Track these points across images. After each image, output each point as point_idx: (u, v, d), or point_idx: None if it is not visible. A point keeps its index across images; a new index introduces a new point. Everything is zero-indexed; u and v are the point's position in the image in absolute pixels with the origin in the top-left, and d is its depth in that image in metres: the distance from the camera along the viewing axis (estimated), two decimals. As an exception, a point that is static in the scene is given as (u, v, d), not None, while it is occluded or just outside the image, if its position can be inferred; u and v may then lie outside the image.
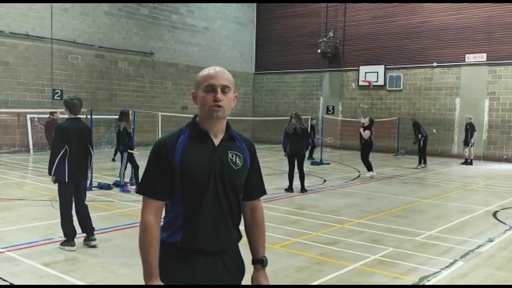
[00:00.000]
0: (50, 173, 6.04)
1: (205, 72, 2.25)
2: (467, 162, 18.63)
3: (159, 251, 2.20)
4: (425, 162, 17.43)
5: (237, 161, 2.27)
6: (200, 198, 2.18)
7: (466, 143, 18.75)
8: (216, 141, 2.25)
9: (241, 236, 2.35)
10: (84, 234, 6.29)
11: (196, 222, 2.18)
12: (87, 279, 5.11)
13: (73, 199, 6.17)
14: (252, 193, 2.42)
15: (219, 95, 2.18)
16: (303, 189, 11.17)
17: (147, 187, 2.21)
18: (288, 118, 11.67)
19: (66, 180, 5.99)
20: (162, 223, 2.25)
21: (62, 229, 6.14)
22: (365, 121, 14.24)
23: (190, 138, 2.22)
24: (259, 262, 2.42)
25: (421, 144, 17.43)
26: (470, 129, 18.54)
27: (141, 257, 2.16)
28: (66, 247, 6.06)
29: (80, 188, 6.22)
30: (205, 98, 2.20)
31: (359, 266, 5.78)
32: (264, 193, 2.50)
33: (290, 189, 11.19)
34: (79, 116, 6.31)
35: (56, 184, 6.12)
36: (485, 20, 20.97)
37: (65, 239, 6.13)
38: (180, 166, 2.16)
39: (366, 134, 14.02)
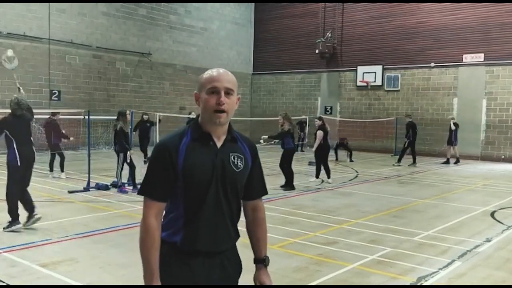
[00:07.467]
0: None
1: (208, 74, 2.23)
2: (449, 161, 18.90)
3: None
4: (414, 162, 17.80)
5: (239, 163, 2.27)
6: (201, 200, 2.19)
7: (450, 142, 18.96)
8: (219, 143, 2.25)
9: (238, 236, 2.35)
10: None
11: (196, 223, 2.19)
12: (84, 280, 5.10)
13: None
14: (253, 193, 2.44)
15: (223, 98, 2.17)
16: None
17: (150, 188, 2.20)
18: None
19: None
20: (162, 223, 2.25)
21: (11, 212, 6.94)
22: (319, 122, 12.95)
23: (192, 140, 2.21)
24: (261, 261, 2.43)
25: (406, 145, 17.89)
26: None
27: (142, 258, 2.15)
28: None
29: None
30: (208, 101, 2.18)
31: (357, 266, 5.78)
32: (266, 192, 2.52)
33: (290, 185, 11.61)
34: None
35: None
36: (483, 21, 21.01)
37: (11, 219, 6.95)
38: (183, 168, 2.16)
39: (319, 134, 12.52)
